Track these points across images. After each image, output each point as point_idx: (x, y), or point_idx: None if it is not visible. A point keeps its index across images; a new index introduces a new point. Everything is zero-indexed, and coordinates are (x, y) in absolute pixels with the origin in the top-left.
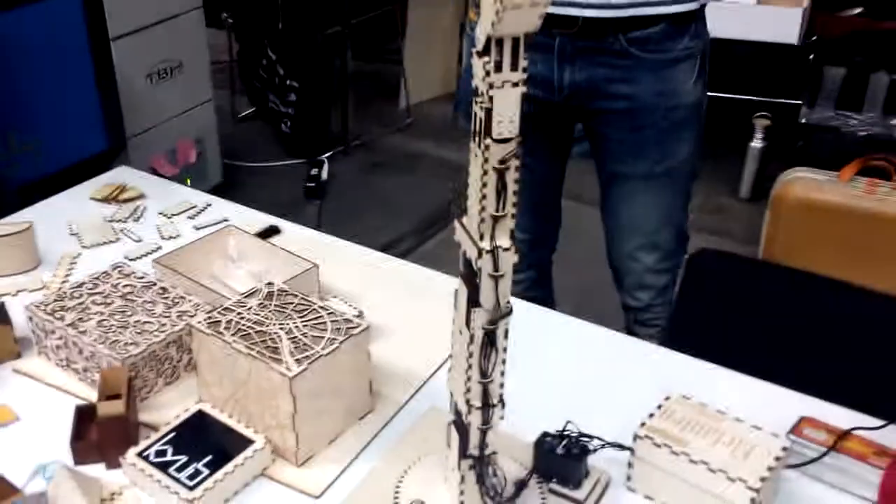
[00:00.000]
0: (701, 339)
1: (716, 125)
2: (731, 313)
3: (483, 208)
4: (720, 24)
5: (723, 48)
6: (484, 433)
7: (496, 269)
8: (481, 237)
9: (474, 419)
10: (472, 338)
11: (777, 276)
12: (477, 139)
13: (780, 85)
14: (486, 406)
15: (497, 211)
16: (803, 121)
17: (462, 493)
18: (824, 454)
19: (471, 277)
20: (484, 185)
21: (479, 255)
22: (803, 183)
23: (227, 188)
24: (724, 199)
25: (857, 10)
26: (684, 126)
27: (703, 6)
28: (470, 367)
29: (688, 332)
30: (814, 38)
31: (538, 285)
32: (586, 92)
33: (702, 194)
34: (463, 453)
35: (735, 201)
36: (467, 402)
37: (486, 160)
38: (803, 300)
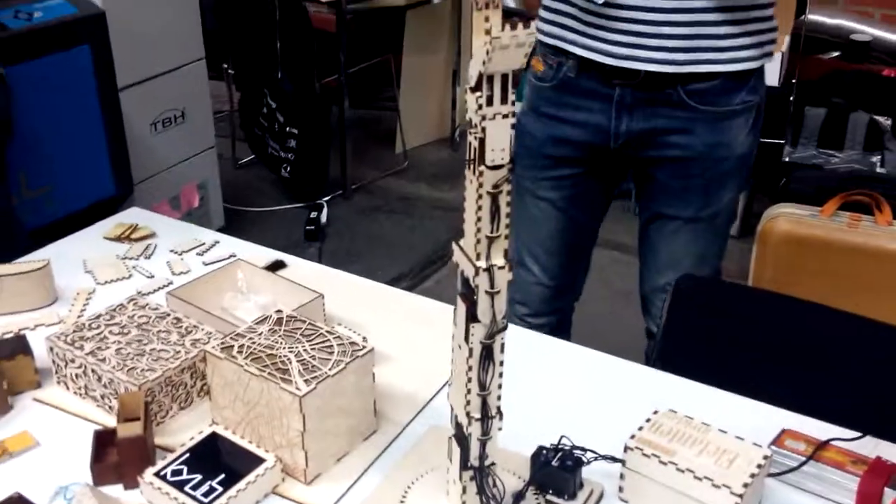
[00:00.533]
0: (687, 360)
1: None
2: (715, 335)
3: (479, 230)
4: None
5: None
6: (484, 444)
7: (492, 286)
8: (478, 257)
9: (474, 430)
10: (470, 352)
11: (756, 299)
12: (472, 166)
13: (764, 126)
14: (486, 417)
15: (492, 232)
16: (787, 159)
17: (464, 503)
18: (803, 463)
19: (469, 295)
20: (479, 208)
21: (476, 273)
22: (787, 219)
23: (230, 232)
24: None
25: (835, 54)
26: (732, 175)
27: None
28: (469, 380)
29: (675, 354)
30: (793, 80)
31: (557, 330)
32: (642, 141)
33: None
34: (464, 464)
35: None
36: (467, 413)
37: (480, 185)
38: (782, 321)
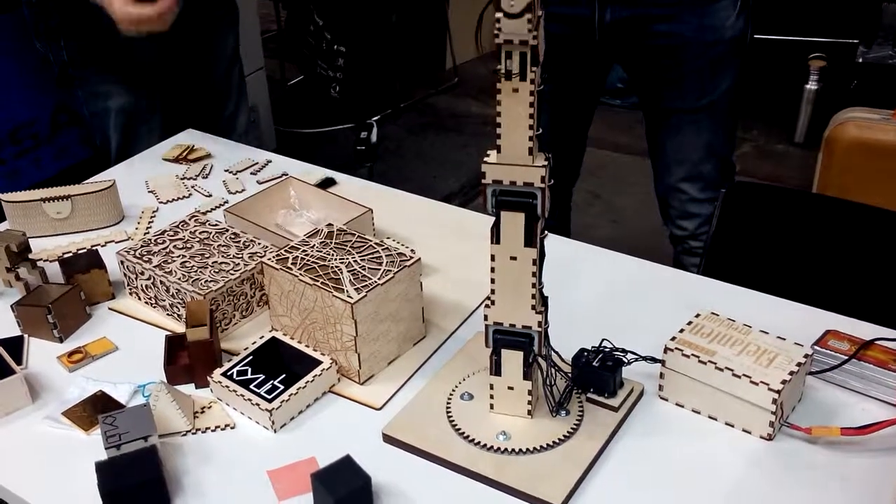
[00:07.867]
0: (737, 268)
1: (771, 68)
2: (766, 241)
3: (531, 129)
4: None
5: None
6: (546, 333)
7: (550, 178)
8: (533, 158)
9: (538, 323)
10: (535, 251)
11: (809, 203)
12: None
13: (836, 24)
14: (545, 308)
15: (537, 131)
16: (860, 60)
17: (528, 392)
18: (845, 361)
19: (521, 203)
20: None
21: (535, 173)
22: (856, 123)
23: (282, 154)
24: (779, 145)
25: None
26: (725, 60)
27: None
28: (535, 275)
29: (725, 262)
30: None
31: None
32: (627, 31)
33: (757, 140)
34: (527, 361)
35: (790, 147)
36: (532, 307)
37: (531, 82)
38: (832, 224)
